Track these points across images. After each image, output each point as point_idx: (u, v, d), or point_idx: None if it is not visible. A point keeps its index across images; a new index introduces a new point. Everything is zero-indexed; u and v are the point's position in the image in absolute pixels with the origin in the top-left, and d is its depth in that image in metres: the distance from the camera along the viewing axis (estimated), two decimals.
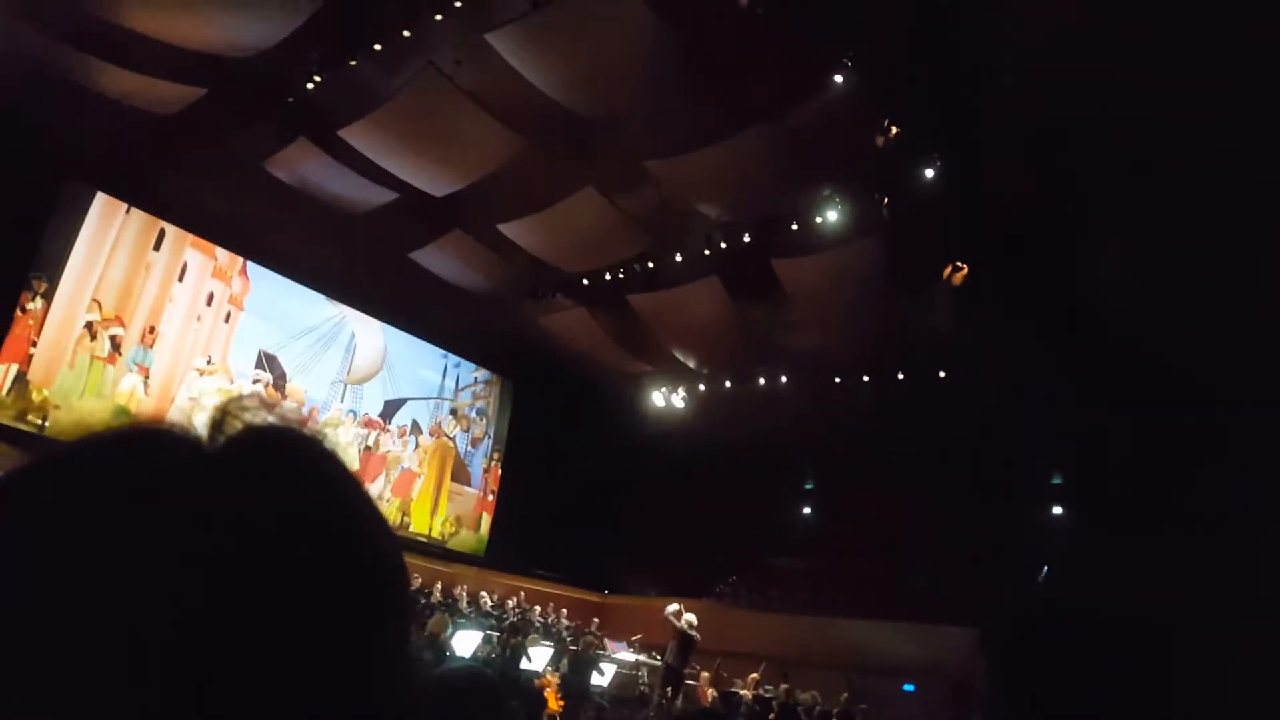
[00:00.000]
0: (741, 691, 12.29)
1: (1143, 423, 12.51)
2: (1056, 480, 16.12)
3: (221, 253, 15.01)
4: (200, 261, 14.76)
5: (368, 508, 0.52)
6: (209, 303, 14.79)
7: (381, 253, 14.71)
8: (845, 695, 12.34)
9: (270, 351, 15.44)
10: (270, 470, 0.49)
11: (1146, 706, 0.76)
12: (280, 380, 15.46)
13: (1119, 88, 9.46)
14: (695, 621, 11.36)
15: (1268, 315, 10.57)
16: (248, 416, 0.52)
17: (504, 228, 13.58)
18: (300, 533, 0.47)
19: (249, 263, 15.36)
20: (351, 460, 16.10)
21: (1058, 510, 15.94)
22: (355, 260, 15.35)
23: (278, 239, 14.94)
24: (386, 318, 17.33)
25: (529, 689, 10.66)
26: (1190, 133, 9.49)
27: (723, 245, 14.01)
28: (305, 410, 15.41)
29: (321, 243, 14.79)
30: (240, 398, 0.53)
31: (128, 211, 13.81)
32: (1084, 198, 10.74)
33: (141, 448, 0.49)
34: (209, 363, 14.53)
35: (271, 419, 0.52)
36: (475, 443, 18.99)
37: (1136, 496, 12.62)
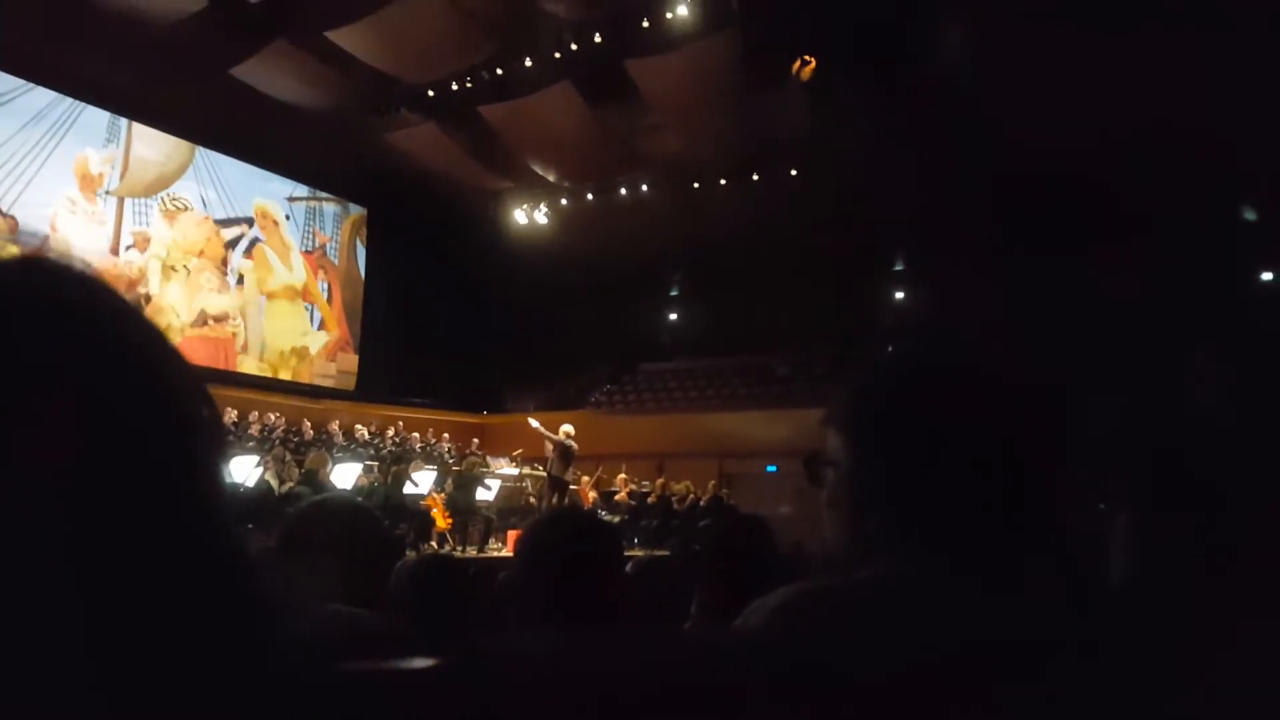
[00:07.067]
0: (619, 491, 12.98)
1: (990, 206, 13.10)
2: (899, 267, 17.09)
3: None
4: None
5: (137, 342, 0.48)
6: None
7: (199, 71, 13.19)
8: (713, 482, 13.42)
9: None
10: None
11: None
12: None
13: None
14: (572, 431, 11.75)
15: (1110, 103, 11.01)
16: None
17: (334, 35, 12.44)
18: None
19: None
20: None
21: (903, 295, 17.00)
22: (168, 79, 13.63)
23: (69, 57, 12.95)
24: (213, 144, 15.82)
25: (416, 511, 10.86)
26: None
27: (573, 46, 13.36)
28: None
29: (123, 60, 13.02)
30: None
31: None
32: None
33: None
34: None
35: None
36: None
37: (980, 279, 13.44)
